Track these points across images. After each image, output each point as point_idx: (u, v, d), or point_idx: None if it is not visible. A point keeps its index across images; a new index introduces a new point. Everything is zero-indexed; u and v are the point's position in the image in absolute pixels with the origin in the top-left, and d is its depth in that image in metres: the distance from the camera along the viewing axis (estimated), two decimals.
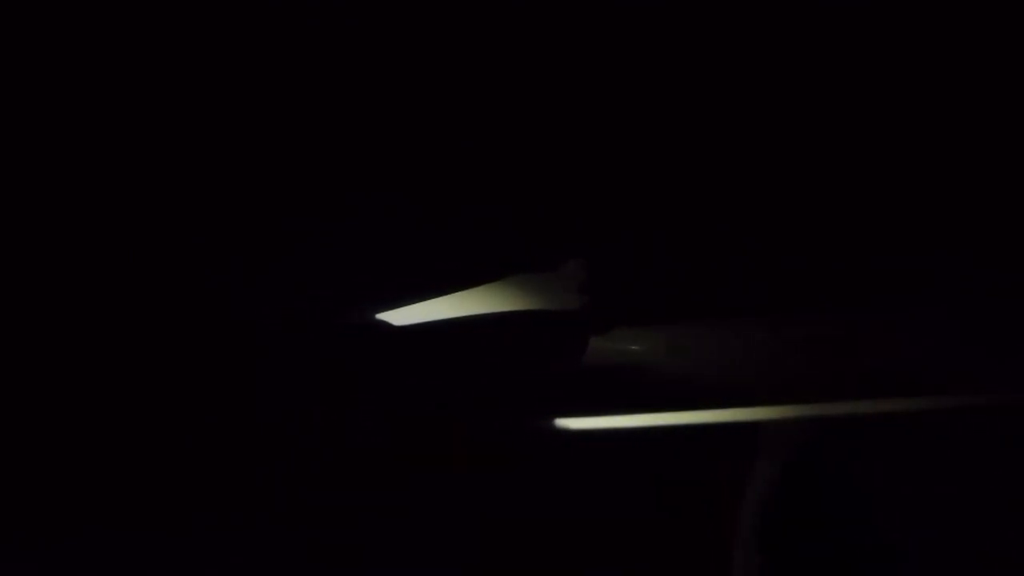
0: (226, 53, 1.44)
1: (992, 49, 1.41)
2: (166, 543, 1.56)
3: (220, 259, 1.52)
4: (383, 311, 1.56)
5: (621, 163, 1.52)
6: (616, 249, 1.57)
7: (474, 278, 1.56)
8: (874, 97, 1.45)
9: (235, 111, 1.47)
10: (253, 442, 1.58)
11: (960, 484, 1.54)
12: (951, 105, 1.44)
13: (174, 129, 1.47)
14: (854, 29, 1.42)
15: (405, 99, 1.48)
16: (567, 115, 1.49)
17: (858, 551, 1.56)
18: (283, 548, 1.59)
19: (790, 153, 1.49)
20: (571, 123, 1.49)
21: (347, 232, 1.52)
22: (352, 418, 1.60)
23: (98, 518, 1.56)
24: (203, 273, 1.52)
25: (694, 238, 1.55)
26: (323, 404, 1.59)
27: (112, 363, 1.54)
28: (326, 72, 1.46)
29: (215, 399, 1.56)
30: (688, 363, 1.61)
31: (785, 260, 1.53)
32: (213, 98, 1.46)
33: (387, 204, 1.51)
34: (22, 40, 1.41)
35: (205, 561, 1.56)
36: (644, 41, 1.45)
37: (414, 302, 1.56)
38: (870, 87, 1.45)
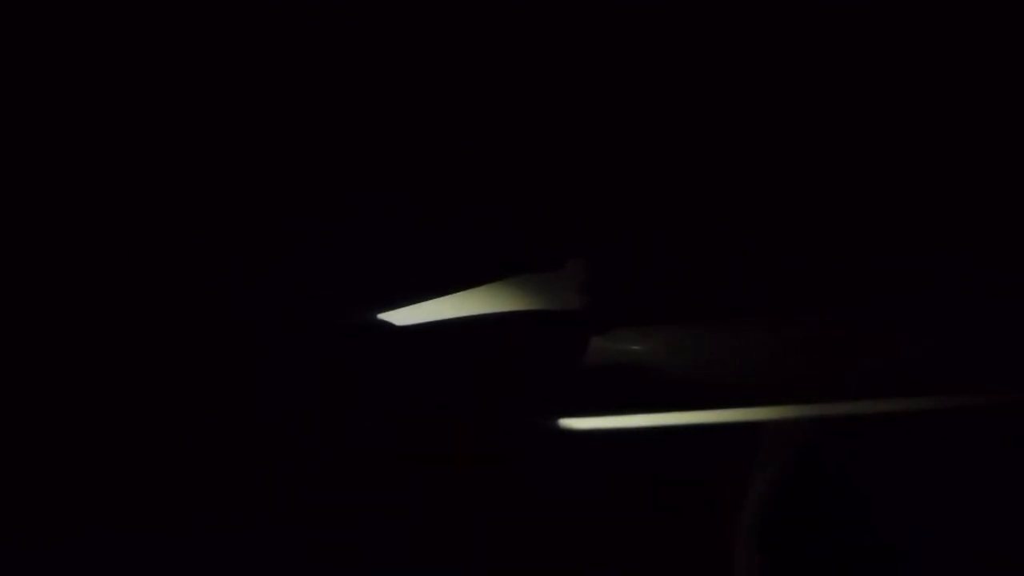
0: (226, 53, 1.44)
1: (992, 49, 1.41)
2: (166, 543, 1.56)
3: (220, 259, 1.52)
4: (383, 311, 1.56)
5: (621, 163, 1.51)
6: (616, 249, 1.57)
7: (474, 278, 1.56)
8: (874, 97, 1.45)
9: (235, 111, 1.47)
10: (253, 442, 1.58)
11: (960, 484, 1.54)
12: (951, 105, 1.44)
13: (174, 129, 1.47)
14: (854, 29, 1.42)
15: (405, 99, 1.47)
16: (567, 115, 1.49)
17: (858, 551, 1.56)
18: (283, 548, 1.59)
19: (790, 153, 1.49)
20: (571, 123, 1.49)
21: (347, 232, 1.52)
22: (353, 418, 1.60)
23: (98, 518, 1.56)
24: (203, 273, 1.52)
25: (694, 238, 1.55)
26: (323, 404, 1.59)
27: (112, 363, 1.54)
28: (326, 72, 1.46)
29: (215, 399, 1.56)
30: (688, 363, 1.61)
31: (785, 260, 1.53)
32: (213, 98, 1.46)
33: (387, 204, 1.51)
34: (22, 40, 1.41)
35: (205, 561, 1.56)
36: (644, 41, 1.45)
37: (414, 302, 1.56)
38: (870, 87, 1.44)
